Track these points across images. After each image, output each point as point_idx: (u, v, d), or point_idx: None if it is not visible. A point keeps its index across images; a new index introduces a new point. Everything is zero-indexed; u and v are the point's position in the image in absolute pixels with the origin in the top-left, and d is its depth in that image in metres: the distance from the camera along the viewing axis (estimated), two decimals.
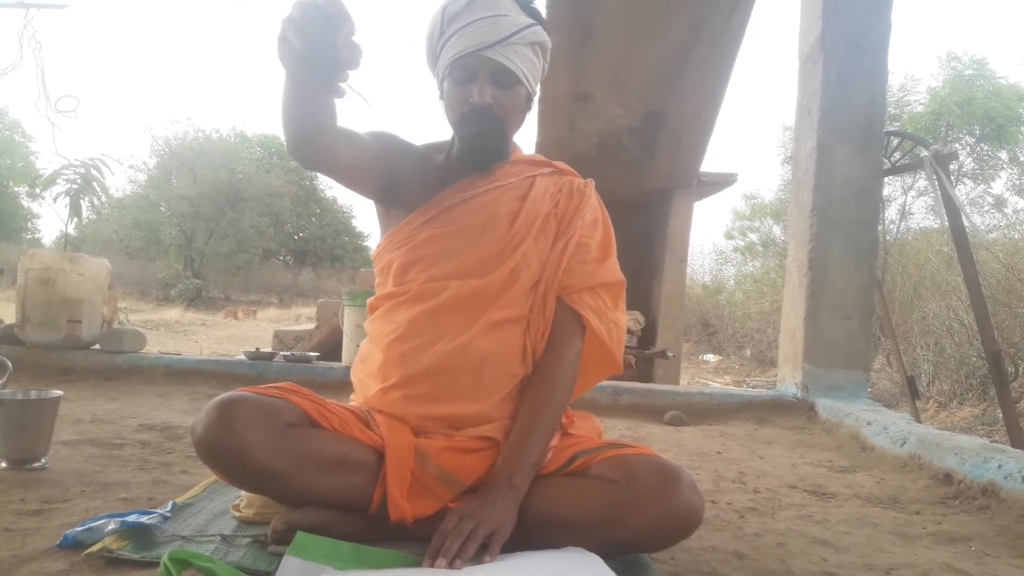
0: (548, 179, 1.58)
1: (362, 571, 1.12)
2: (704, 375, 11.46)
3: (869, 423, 2.91)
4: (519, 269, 1.48)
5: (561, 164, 1.64)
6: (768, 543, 1.59)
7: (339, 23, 1.08)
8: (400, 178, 1.53)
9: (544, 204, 1.53)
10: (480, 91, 1.41)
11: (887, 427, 2.76)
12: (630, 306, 1.46)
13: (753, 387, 8.30)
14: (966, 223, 3.97)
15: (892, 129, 6.06)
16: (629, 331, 6.43)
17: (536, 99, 1.56)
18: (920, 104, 12.82)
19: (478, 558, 1.18)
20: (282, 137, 1.32)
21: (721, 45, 5.07)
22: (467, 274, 1.47)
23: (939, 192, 4.03)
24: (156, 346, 6.14)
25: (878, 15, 3.78)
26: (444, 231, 1.49)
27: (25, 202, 27.63)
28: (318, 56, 1.09)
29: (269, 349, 4.37)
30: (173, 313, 17.59)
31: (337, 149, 1.37)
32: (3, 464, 1.79)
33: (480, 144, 1.46)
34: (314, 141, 1.31)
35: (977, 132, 12.32)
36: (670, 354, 6.47)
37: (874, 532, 1.73)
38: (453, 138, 1.53)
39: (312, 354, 4.19)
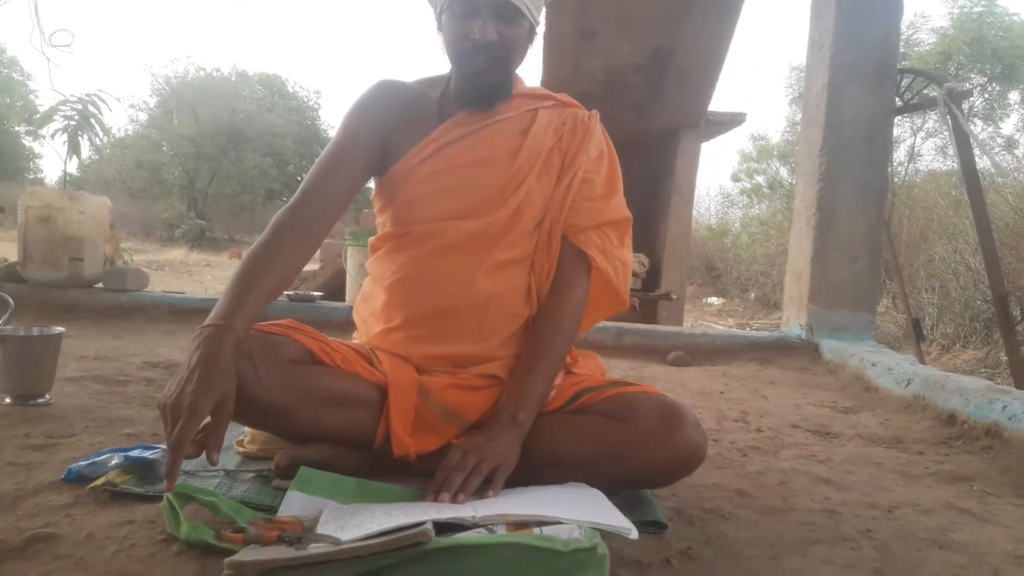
0: (550, 112, 1.51)
1: (365, 505, 1.12)
2: (707, 318, 11.47)
3: (873, 364, 2.91)
4: (522, 208, 1.43)
5: (564, 96, 1.56)
6: (771, 481, 1.59)
7: None
8: (393, 132, 1.46)
9: (547, 139, 1.47)
10: (482, 28, 1.33)
11: (891, 368, 2.76)
12: (635, 248, 1.44)
13: (756, 330, 8.31)
14: (985, 162, 3.92)
15: (904, 67, 5.93)
16: (633, 273, 6.40)
17: (539, 33, 1.50)
18: (928, 44, 12.48)
19: (481, 493, 1.17)
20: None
21: None
22: (468, 214, 1.42)
23: (952, 130, 3.96)
24: (161, 286, 6.15)
25: None
26: (442, 168, 1.43)
27: (26, 142, 27.37)
28: None
29: None
30: (177, 254, 17.59)
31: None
32: (7, 400, 1.80)
33: (481, 83, 1.40)
34: None
35: (988, 71, 12.03)
36: (674, 296, 6.46)
37: (877, 471, 1.73)
38: (451, 72, 1.47)
39: (316, 294, 4.19)
